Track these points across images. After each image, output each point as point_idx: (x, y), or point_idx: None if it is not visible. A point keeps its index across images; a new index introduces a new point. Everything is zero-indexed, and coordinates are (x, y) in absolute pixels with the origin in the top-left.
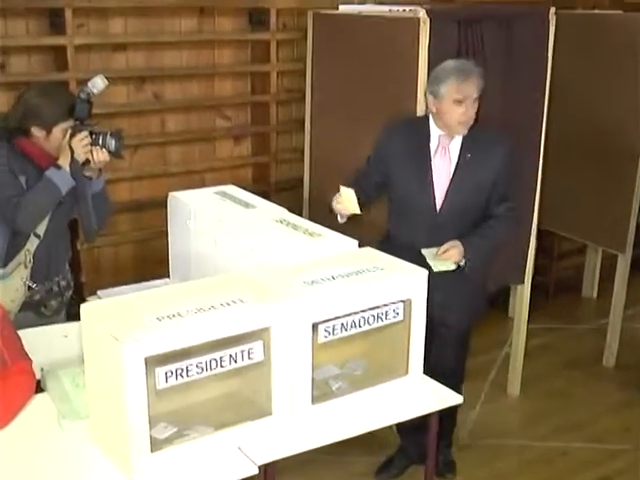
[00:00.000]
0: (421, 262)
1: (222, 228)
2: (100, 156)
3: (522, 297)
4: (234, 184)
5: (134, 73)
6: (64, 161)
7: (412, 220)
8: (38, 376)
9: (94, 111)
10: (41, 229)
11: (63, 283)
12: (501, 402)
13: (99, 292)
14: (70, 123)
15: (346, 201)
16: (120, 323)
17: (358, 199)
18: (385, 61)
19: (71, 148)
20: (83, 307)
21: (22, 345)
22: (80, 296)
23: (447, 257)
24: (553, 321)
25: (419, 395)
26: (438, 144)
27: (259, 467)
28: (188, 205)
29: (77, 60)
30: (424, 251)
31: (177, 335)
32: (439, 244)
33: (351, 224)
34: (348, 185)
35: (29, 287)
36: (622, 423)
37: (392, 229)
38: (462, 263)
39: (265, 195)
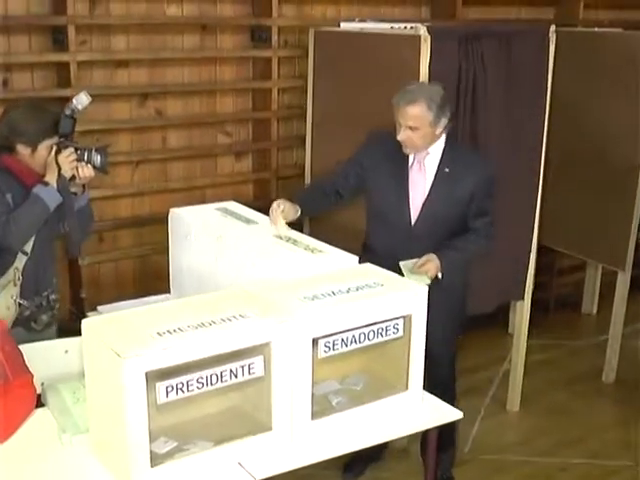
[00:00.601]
0: (398, 272)
1: (223, 244)
2: (86, 172)
3: (522, 313)
4: (235, 200)
5: (136, 89)
6: (51, 177)
7: (388, 229)
8: (38, 390)
9: (98, 127)
10: (28, 246)
11: (53, 297)
12: (501, 418)
13: (99, 307)
14: (55, 140)
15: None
16: (121, 338)
17: (302, 211)
18: (386, 78)
19: (58, 164)
20: (84, 322)
21: (23, 360)
22: (80, 311)
23: (424, 271)
24: (553, 337)
25: (419, 411)
26: (414, 158)
27: None
28: (189, 221)
29: (80, 76)
30: (402, 263)
31: (178, 350)
32: (414, 254)
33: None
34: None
35: (19, 304)
36: (621, 439)
37: (370, 236)
38: (439, 276)
39: (266, 211)
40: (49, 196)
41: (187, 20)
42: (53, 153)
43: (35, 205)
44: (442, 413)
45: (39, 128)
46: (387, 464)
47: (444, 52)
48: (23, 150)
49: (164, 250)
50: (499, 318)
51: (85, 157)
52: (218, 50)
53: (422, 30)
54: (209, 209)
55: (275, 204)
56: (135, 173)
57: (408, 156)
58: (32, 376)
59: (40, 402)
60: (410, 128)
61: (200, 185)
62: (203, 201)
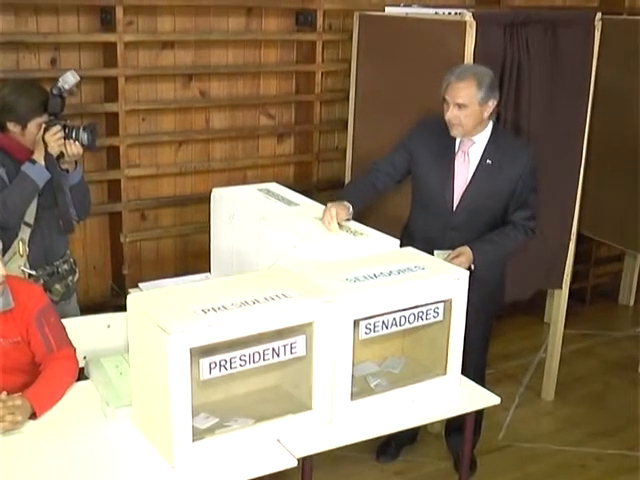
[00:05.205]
0: None
1: (265, 224)
2: (73, 149)
3: (559, 302)
4: (276, 182)
5: (181, 70)
6: (39, 155)
7: (429, 216)
8: (81, 364)
9: (143, 107)
10: (30, 217)
11: (65, 267)
12: (535, 406)
13: (141, 284)
14: (44, 118)
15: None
16: (166, 314)
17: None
18: (430, 64)
19: (45, 142)
20: (130, 297)
21: (66, 333)
22: (121, 287)
23: (457, 264)
24: (589, 327)
25: (457, 395)
26: (459, 147)
27: (297, 460)
28: (232, 201)
29: (126, 57)
30: (436, 252)
31: (222, 327)
32: (452, 242)
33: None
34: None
35: (29, 275)
36: None
37: (410, 221)
38: (472, 267)
39: (307, 194)
40: (37, 173)
41: (233, 2)
42: (41, 131)
43: (24, 182)
44: (479, 398)
45: (28, 107)
46: (421, 448)
47: (489, 38)
48: (13, 128)
49: (205, 229)
50: (535, 306)
51: (73, 135)
52: (263, 33)
53: (468, 16)
54: (251, 190)
55: (328, 208)
56: (178, 153)
57: (455, 144)
58: (75, 349)
59: (83, 375)
60: (458, 106)
61: (241, 166)
62: (244, 182)
